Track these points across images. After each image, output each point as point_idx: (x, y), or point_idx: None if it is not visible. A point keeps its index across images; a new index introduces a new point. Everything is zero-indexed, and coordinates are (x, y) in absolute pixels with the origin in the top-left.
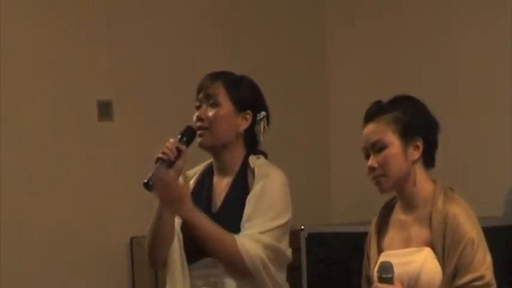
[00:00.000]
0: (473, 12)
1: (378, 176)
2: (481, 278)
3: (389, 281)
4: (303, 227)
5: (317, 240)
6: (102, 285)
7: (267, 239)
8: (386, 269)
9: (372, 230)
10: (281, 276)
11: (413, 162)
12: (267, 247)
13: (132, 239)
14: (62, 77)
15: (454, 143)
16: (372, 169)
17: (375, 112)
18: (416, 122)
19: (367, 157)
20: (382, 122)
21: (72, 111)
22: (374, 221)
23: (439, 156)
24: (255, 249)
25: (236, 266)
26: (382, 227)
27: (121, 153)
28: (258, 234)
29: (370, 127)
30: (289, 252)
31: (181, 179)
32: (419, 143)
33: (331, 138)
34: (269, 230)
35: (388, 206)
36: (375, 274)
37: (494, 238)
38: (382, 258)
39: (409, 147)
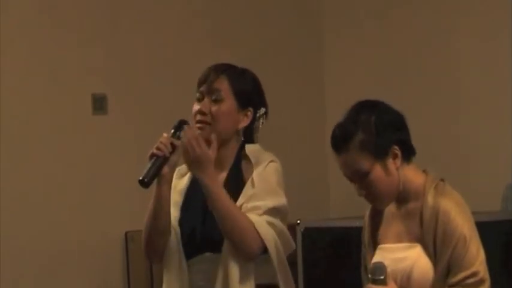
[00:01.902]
0: (472, 11)
1: (371, 200)
2: (474, 274)
3: (383, 282)
4: (299, 221)
5: (313, 234)
6: (97, 280)
7: (277, 223)
8: (379, 270)
9: (365, 221)
10: (286, 263)
11: (398, 169)
12: (278, 230)
13: (127, 233)
14: (56, 70)
15: (453, 138)
16: (362, 196)
17: (340, 140)
18: (383, 134)
19: (351, 181)
20: (351, 151)
21: (66, 104)
22: (367, 212)
23: (440, 150)
24: (271, 232)
25: (249, 245)
26: (376, 219)
27: (115, 147)
28: (269, 217)
29: (342, 158)
30: (292, 240)
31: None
32: (396, 150)
33: (329, 131)
34: (275, 210)
35: None
36: (368, 275)
37: (492, 232)
38: (378, 252)
39: (388, 161)
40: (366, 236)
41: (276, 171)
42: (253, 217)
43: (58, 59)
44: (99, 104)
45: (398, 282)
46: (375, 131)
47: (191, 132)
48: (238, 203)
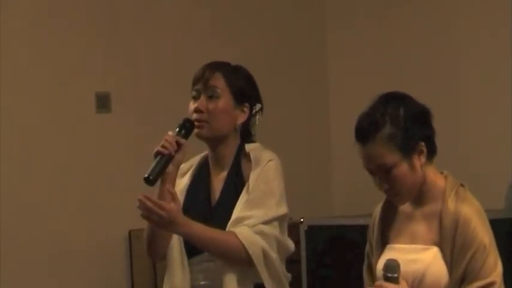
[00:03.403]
0: (472, 11)
1: (393, 196)
2: (489, 285)
3: (395, 280)
4: (302, 220)
5: (316, 232)
6: (101, 278)
7: (269, 230)
8: (393, 268)
9: (376, 217)
10: (282, 268)
11: (422, 167)
12: (269, 238)
13: (130, 232)
14: (60, 69)
15: (456, 136)
16: (383, 190)
17: (366, 131)
18: (412, 129)
19: (371, 173)
20: (378, 143)
21: (70, 103)
22: (379, 207)
23: (441, 149)
24: (257, 240)
25: (240, 260)
26: (387, 216)
27: (119, 146)
28: (260, 226)
29: (367, 151)
30: (290, 243)
31: (169, 197)
32: (422, 147)
33: (332, 128)
34: (271, 220)
35: None
36: (380, 272)
37: (496, 230)
38: (387, 252)
39: (414, 157)
40: (374, 233)
41: (275, 171)
42: (239, 230)
43: (60, 58)
44: (103, 102)
45: (409, 284)
46: (403, 124)
47: (148, 202)
48: (236, 208)
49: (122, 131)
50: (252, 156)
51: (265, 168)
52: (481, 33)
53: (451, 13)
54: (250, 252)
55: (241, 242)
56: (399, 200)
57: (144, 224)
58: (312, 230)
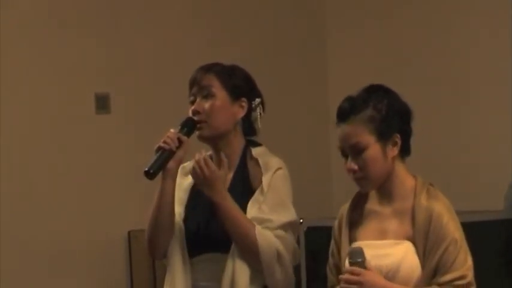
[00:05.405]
0: (473, 11)
1: (360, 178)
2: (462, 277)
3: (361, 265)
4: (301, 220)
5: (316, 233)
6: (100, 279)
7: (288, 236)
8: (357, 253)
9: (342, 218)
10: (291, 271)
11: (393, 159)
12: (288, 243)
13: (129, 232)
14: (59, 70)
15: (456, 136)
16: (352, 171)
17: (347, 111)
18: (392, 118)
19: (345, 156)
20: (356, 122)
21: (69, 104)
22: (346, 207)
23: (441, 149)
24: (273, 242)
25: (250, 252)
26: (354, 216)
27: (118, 147)
28: (280, 231)
29: (345, 128)
30: (298, 249)
31: (220, 167)
32: (397, 139)
33: (332, 128)
34: (287, 226)
35: (361, 195)
36: (347, 260)
37: (495, 231)
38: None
39: (388, 145)
40: (342, 232)
41: (285, 180)
42: (262, 230)
43: (60, 58)
44: (102, 103)
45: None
46: (384, 112)
47: (199, 154)
48: (249, 209)
49: (122, 132)
50: (260, 161)
51: (275, 177)
52: (481, 33)
53: (451, 13)
54: (260, 250)
55: (256, 237)
56: (366, 185)
57: (143, 225)
58: (312, 231)
